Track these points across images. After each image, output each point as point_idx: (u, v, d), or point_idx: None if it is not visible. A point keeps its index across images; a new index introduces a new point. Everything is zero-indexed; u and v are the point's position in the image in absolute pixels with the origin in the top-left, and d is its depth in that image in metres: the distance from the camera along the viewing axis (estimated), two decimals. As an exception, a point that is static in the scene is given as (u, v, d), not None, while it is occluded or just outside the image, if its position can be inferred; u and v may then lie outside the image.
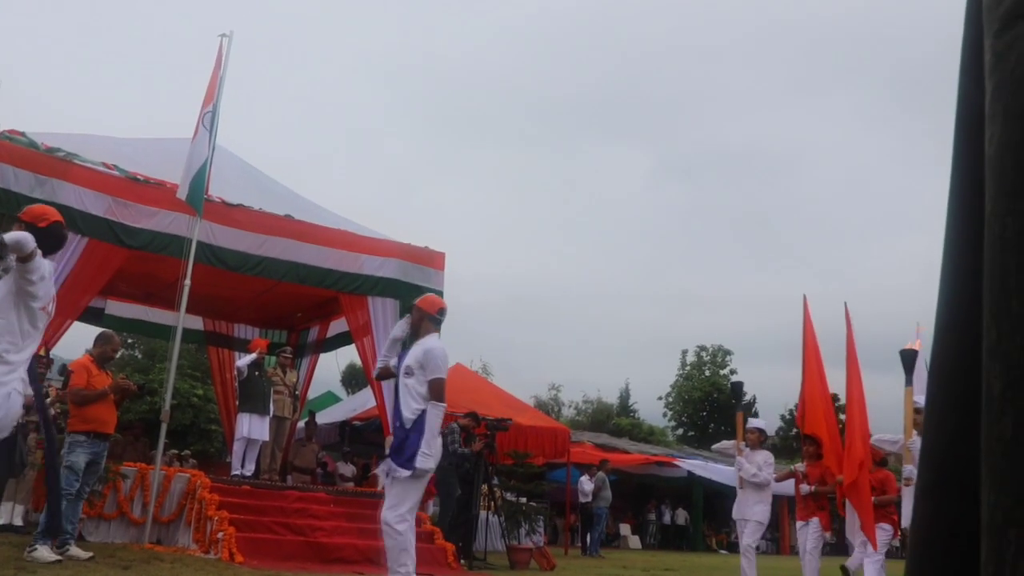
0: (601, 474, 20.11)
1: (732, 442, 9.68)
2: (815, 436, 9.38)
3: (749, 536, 9.17)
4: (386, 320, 12.88)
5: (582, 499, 19.91)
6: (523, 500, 14.43)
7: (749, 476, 9.13)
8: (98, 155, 11.05)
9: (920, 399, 7.58)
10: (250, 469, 11.94)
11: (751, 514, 9.17)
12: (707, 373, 49.33)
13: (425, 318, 6.53)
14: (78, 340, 11.70)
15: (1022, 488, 0.67)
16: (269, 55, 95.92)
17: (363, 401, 18.43)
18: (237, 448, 12.11)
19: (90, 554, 7.79)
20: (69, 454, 7.86)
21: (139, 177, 11.11)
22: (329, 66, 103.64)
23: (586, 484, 19.90)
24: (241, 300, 14.57)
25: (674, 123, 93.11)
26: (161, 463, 10.32)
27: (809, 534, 9.36)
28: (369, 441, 18.16)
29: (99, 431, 8.03)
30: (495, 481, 12.97)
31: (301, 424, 15.33)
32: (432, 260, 13.46)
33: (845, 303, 9.88)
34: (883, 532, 9.10)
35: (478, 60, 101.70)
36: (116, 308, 15.06)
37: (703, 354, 50.25)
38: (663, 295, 74.68)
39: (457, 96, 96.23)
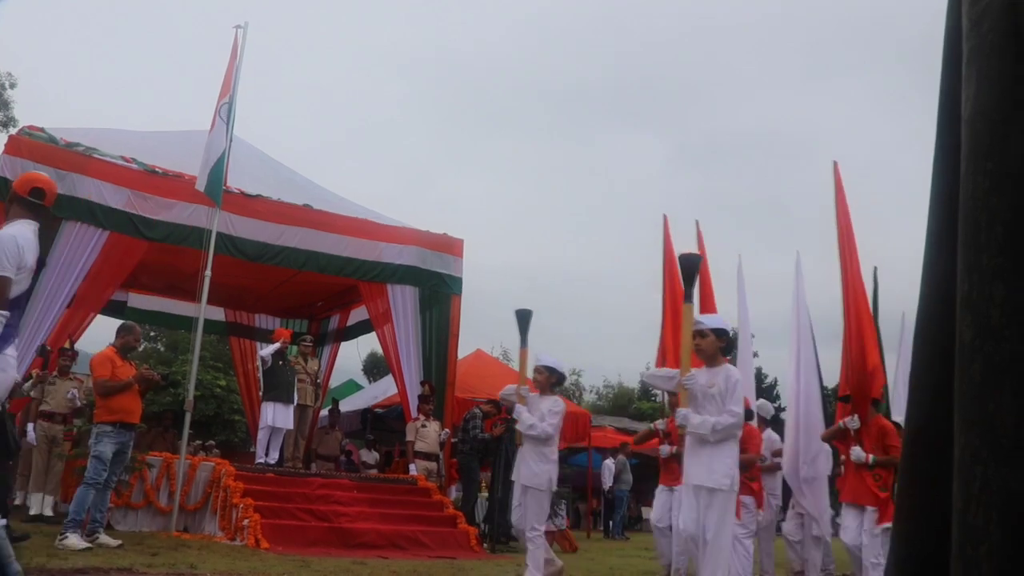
0: (622, 457, 20.12)
1: (515, 387, 7.31)
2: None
3: (535, 513, 6.95)
4: (406, 308, 12.95)
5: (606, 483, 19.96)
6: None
7: (525, 428, 6.96)
8: (116, 149, 11.16)
9: (706, 319, 6.08)
10: (274, 457, 12.04)
11: (530, 478, 6.95)
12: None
13: (15, 201, 4.70)
14: (102, 333, 11.82)
15: (988, 430, 0.71)
16: (286, 46, 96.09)
17: (384, 389, 18.52)
18: (261, 436, 12.21)
19: (119, 542, 7.91)
20: (96, 444, 7.97)
21: (157, 170, 11.22)
22: (345, 56, 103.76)
23: (610, 468, 19.96)
24: (261, 290, 14.68)
25: (688, 109, 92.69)
26: (186, 453, 10.45)
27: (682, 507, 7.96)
28: (391, 428, 18.27)
29: (125, 421, 8.13)
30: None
31: (324, 412, 15.44)
32: (451, 247, 13.50)
33: (699, 223, 8.98)
34: (744, 509, 7.47)
35: (494, 50, 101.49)
36: (138, 300, 15.20)
37: (724, 337, 49.94)
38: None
39: (473, 85, 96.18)
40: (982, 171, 0.78)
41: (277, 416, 12.02)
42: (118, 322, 9.41)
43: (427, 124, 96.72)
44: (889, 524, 7.00)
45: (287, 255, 12.01)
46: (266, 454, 12.01)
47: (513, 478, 7.22)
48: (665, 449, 8.21)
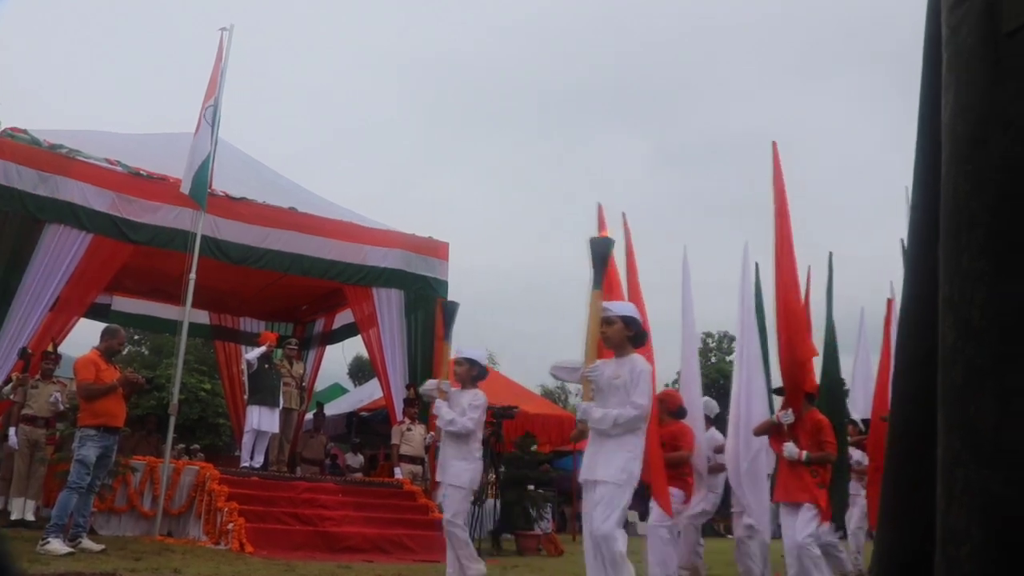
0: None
1: (436, 382, 7.07)
2: None
3: (450, 507, 6.71)
4: (391, 311, 12.94)
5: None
6: (530, 487, 14.49)
7: (444, 424, 6.69)
8: (101, 151, 11.11)
9: (614, 306, 5.69)
10: (259, 461, 12.00)
11: (450, 476, 6.71)
12: (713, 360, 49.16)
13: None
14: (85, 337, 11.75)
15: (969, 432, 0.72)
16: (273, 49, 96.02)
17: (370, 392, 18.48)
18: (246, 440, 12.16)
19: (102, 546, 7.86)
20: (80, 448, 7.91)
21: (142, 172, 11.17)
22: (332, 59, 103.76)
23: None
24: (246, 293, 14.64)
25: (685, 109, 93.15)
26: (170, 457, 10.40)
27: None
28: (377, 432, 18.22)
29: (109, 425, 8.07)
30: (501, 468, 13.03)
31: (309, 416, 15.40)
32: (436, 250, 13.51)
33: (625, 215, 8.28)
34: (672, 498, 7.38)
35: (489, 51, 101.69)
36: (122, 304, 15.12)
37: (708, 340, 50.10)
38: (666, 282, 74.60)
39: (462, 88, 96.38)
40: (963, 174, 0.79)
41: (262, 420, 11.97)
42: (102, 325, 9.35)
43: (416, 126, 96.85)
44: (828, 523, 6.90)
45: (272, 258, 11.98)
46: (251, 458, 11.96)
47: (439, 479, 6.95)
48: None
